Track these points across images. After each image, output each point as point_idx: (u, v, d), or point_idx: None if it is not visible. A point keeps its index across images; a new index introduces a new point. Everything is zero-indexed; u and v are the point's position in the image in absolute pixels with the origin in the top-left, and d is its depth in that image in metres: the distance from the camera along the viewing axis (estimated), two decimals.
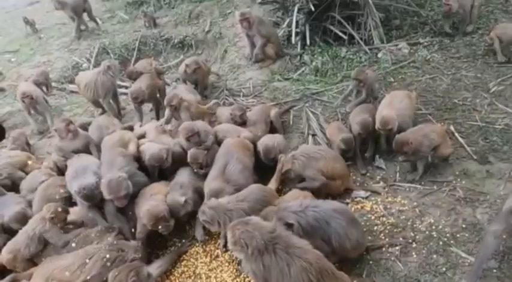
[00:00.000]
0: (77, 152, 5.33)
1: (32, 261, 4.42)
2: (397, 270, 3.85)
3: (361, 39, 6.94)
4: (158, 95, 6.51)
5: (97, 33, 9.30)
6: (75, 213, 4.77)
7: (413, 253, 3.96)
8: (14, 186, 5.42)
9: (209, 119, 5.89)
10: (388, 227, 4.25)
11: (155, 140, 5.33)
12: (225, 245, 4.29)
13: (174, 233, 4.64)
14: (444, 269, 3.79)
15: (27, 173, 5.55)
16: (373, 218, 4.39)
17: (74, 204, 4.91)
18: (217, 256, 4.37)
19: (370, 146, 5.16)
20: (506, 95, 5.61)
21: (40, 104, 6.65)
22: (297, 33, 7.07)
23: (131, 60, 8.39)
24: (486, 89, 5.78)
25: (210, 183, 4.61)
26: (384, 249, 4.05)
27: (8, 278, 4.25)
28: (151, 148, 5.05)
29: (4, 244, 4.52)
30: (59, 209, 4.46)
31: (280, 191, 4.82)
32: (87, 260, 4.01)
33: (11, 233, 4.67)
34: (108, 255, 4.01)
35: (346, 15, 7.04)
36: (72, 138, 5.36)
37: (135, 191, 4.68)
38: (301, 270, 3.22)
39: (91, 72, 6.92)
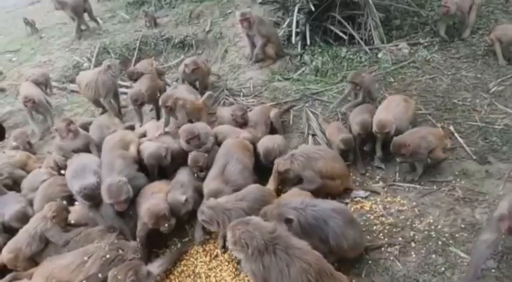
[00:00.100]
0: (77, 151, 5.36)
1: (33, 260, 4.43)
2: (396, 270, 3.86)
3: (361, 39, 6.94)
4: (158, 96, 6.51)
5: (98, 33, 9.32)
6: (75, 212, 4.80)
7: (412, 253, 3.97)
8: (15, 185, 5.44)
9: (207, 114, 5.88)
10: (387, 227, 4.26)
11: (154, 139, 5.35)
12: (223, 246, 4.32)
13: (174, 233, 4.65)
14: (443, 268, 3.80)
15: (28, 172, 5.58)
16: (372, 217, 4.40)
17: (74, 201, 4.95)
18: (216, 255, 4.38)
19: (377, 146, 5.09)
20: (506, 96, 5.62)
21: (41, 105, 6.66)
22: (297, 33, 7.07)
23: (132, 60, 8.41)
24: (486, 89, 5.78)
25: (209, 184, 4.62)
26: (383, 249, 4.06)
27: (8, 277, 4.27)
28: (149, 147, 5.06)
29: (4, 243, 4.54)
30: (60, 208, 4.48)
31: (279, 191, 4.84)
32: (87, 259, 4.03)
33: (11, 232, 4.69)
34: (107, 255, 4.03)
35: (346, 15, 7.04)
36: (72, 138, 5.39)
37: (135, 193, 4.69)
38: (300, 271, 3.23)
39: (92, 71, 6.95)
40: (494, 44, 6.19)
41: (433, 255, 3.92)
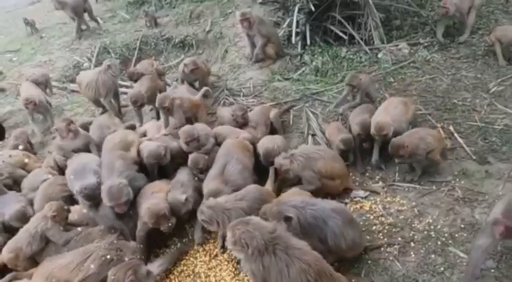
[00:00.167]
0: (77, 151, 5.37)
1: (33, 260, 4.44)
2: (395, 270, 3.87)
3: (361, 39, 6.95)
4: None
5: (98, 33, 9.34)
6: (76, 211, 4.81)
7: (412, 253, 3.98)
8: (15, 185, 5.45)
9: (204, 110, 5.87)
10: (386, 227, 4.27)
11: (154, 139, 5.35)
12: (222, 246, 4.32)
13: (174, 233, 4.66)
14: (442, 268, 3.80)
15: (28, 172, 5.58)
16: (371, 217, 4.41)
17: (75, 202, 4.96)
18: (216, 255, 4.39)
19: (375, 149, 5.08)
20: (506, 96, 5.62)
21: (42, 105, 6.66)
22: (297, 33, 7.08)
23: (132, 60, 8.44)
24: (486, 89, 5.79)
25: (209, 184, 4.62)
26: (382, 248, 4.06)
27: (7, 276, 4.28)
28: (148, 146, 5.07)
29: (4, 243, 4.54)
30: (61, 208, 4.49)
31: (279, 191, 4.83)
32: (86, 259, 4.03)
33: (11, 232, 4.69)
34: (106, 255, 4.03)
35: (346, 15, 7.05)
36: (72, 138, 5.39)
37: (135, 194, 4.70)
38: (300, 272, 3.23)
39: (92, 71, 6.96)
40: (494, 45, 6.19)
41: (433, 255, 3.92)
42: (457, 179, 4.63)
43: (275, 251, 3.28)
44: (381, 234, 4.23)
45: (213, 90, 6.69)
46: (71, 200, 4.96)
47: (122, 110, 6.82)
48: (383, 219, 4.36)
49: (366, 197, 4.70)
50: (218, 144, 5.22)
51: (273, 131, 5.68)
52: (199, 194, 4.71)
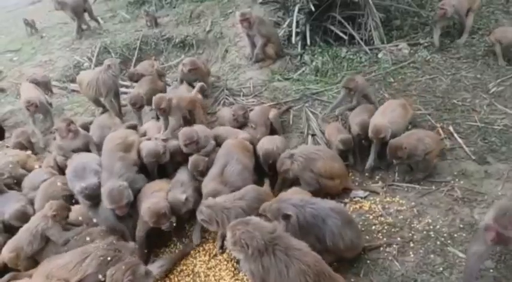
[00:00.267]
0: (77, 151, 5.38)
1: (34, 259, 4.46)
2: (394, 270, 3.87)
3: (361, 39, 6.95)
4: None
5: (98, 33, 9.36)
6: (76, 211, 4.82)
7: (411, 253, 3.98)
8: (16, 185, 5.46)
9: (200, 106, 5.88)
10: (385, 227, 4.28)
11: (154, 139, 5.36)
12: (222, 246, 4.33)
13: (173, 232, 4.68)
14: (441, 268, 3.81)
15: (28, 171, 5.60)
16: (371, 217, 4.42)
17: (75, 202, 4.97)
18: (215, 254, 4.41)
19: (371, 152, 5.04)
20: (506, 96, 5.62)
21: (42, 106, 6.65)
22: (297, 33, 7.08)
23: (132, 60, 8.45)
24: (485, 89, 5.79)
25: (208, 184, 4.62)
26: (381, 248, 4.07)
27: (6, 276, 4.29)
28: (147, 144, 5.08)
29: (4, 243, 4.56)
30: (61, 207, 4.50)
31: (280, 191, 4.84)
32: (85, 258, 4.04)
33: (10, 231, 4.71)
34: (104, 255, 4.03)
35: (346, 16, 7.04)
36: (72, 138, 5.40)
37: (135, 194, 4.71)
38: (299, 273, 3.24)
39: (92, 71, 6.97)
40: (494, 46, 6.19)
41: (432, 255, 3.93)
42: (457, 179, 4.63)
43: (275, 252, 3.28)
44: (380, 234, 4.23)
45: (213, 90, 6.69)
46: (71, 199, 4.97)
47: (122, 109, 6.82)
48: (382, 219, 4.37)
49: (365, 197, 4.71)
50: (218, 144, 5.22)
51: (272, 131, 5.68)
52: (199, 194, 4.70)
